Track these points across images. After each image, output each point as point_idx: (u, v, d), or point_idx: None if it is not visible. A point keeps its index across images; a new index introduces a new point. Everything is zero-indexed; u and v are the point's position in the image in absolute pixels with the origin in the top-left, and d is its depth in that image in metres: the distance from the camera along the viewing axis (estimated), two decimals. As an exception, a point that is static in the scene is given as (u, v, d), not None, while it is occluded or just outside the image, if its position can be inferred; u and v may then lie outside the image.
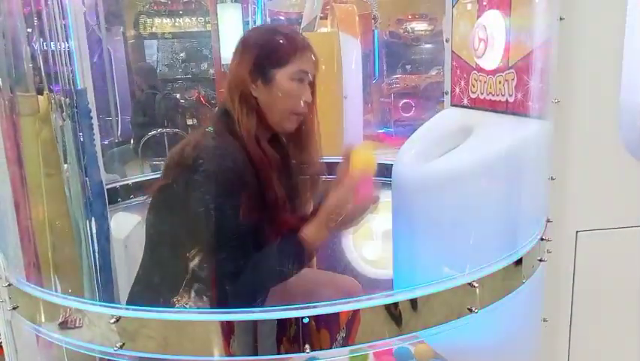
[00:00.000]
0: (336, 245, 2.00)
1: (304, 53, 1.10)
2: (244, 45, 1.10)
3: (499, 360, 1.02)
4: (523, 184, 0.95)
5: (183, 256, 1.04)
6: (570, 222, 1.02)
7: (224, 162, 1.00)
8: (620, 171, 1.01)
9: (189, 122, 4.43)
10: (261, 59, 1.07)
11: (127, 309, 0.72)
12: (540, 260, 0.94)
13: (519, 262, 0.88)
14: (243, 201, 1.00)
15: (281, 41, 1.09)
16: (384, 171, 1.60)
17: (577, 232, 1.02)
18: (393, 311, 0.78)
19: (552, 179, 0.99)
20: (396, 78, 4.46)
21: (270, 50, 1.08)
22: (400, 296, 0.78)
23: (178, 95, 4.71)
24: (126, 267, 1.47)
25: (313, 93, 1.13)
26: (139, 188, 1.59)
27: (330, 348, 0.78)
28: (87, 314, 0.76)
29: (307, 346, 0.73)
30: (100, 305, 0.75)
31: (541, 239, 0.95)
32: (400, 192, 1.19)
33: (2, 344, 1.35)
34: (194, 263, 1.03)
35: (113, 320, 0.72)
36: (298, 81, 1.08)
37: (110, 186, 1.49)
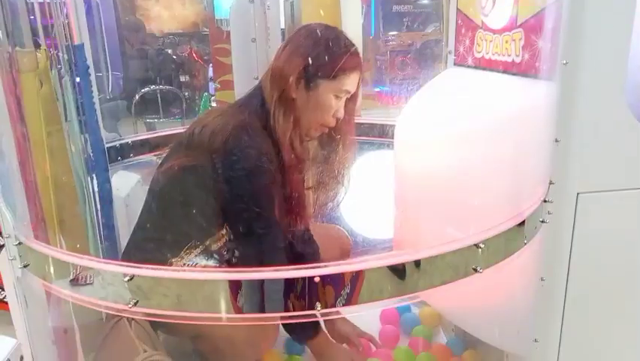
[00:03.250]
0: (334, 207, 2.02)
1: (354, 72, 1.09)
2: (299, 43, 1.08)
3: (498, 319, 1.05)
4: (528, 146, 0.95)
5: (195, 232, 1.06)
6: (571, 184, 1.04)
7: (259, 162, 1.01)
8: (624, 135, 1.01)
9: (182, 79, 4.36)
10: (312, 64, 1.05)
11: (141, 268, 0.73)
12: (542, 221, 0.96)
13: (522, 223, 0.90)
14: (270, 199, 1.02)
15: (337, 54, 1.07)
16: (385, 131, 1.60)
17: (578, 193, 1.04)
18: (399, 271, 0.80)
19: (557, 141, 1.00)
20: (393, 35, 4.38)
21: (324, 60, 1.06)
22: (408, 257, 0.79)
23: (170, 51, 4.61)
24: (128, 225, 1.48)
25: (352, 107, 1.13)
26: (139, 147, 1.59)
27: (335, 305, 0.80)
28: (101, 272, 0.77)
29: (318, 304, 0.75)
30: (115, 264, 0.76)
31: (544, 201, 0.97)
32: (402, 153, 1.20)
33: (6, 300, 1.37)
34: (207, 241, 1.06)
35: (127, 278, 0.73)
36: (337, 98, 1.08)
37: (109, 145, 1.48)
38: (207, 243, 1.08)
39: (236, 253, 1.05)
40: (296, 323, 1.05)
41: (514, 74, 1.07)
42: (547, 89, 0.99)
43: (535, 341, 1.12)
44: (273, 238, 1.04)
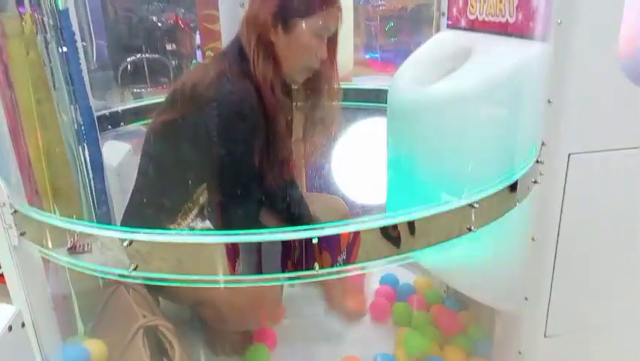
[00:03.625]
0: (326, 171, 2.02)
1: (331, 8, 1.06)
2: None
3: (490, 278, 1.08)
4: (522, 108, 0.96)
5: (187, 187, 1.05)
6: (563, 145, 1.05)
7: (241, 108, 1.00)
8: (615, 96, 1.02)
9: (169, 47, 4.26)
10: (287, 4, 1.03)
11: (140, 233, 0.74)
12: (534, 182, 0.98)
13: (515, 183, 0.91)
14: (254, 145, 1.01)
15: None
16: (379, 95, 1.60)
17: (569, 154, 1.05)
18: (393, 232, 0.81)
19: (549, 102, 1.00)
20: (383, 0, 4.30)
21: None
22: (404, 217, 0.80)
23: (155, 19, 4.50)
24: (121, 194, 1.48)
25: (333, 48, 1.11)
26: (129, 115, 1.57)
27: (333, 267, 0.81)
28: (99, 238, 0.77)
29: (316, 264, 0.76)
30: (113, 229, 0.76)
31: (537, 161, 0.98)
32: (396, 118, 1.20)
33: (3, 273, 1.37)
34: (197, 195, 1.06)
35: (126, 243, 0.74)
36: (318, 37, 1.06)
37: (99, 114, 1.46)
38: (201, 202, 1.08)
39: (228, 208, 1.05)
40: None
41: (507, 35, 1.06)
42: (541, 49, 0.99)
43: (526, 299, 1.16)
44: (258, 188, 1.03)
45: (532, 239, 1.10)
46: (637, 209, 1.13)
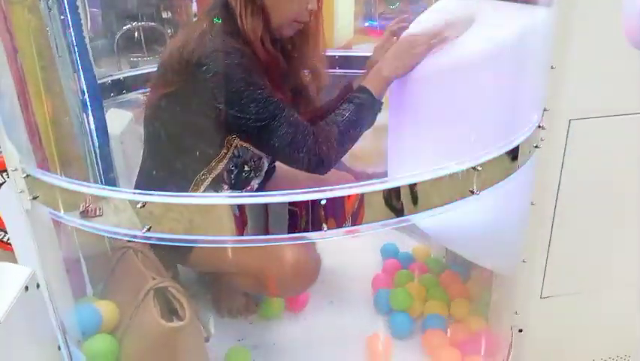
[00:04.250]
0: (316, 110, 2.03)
1: None
2: None
3: (490, 240, 1.11)
4: (525, 74, 0.97)
5: (194, 153, 1.06)
6: (564, 110, 1.06)
7: (234, 60, 0.98)
8: (617, 61, 1.03)
9: (164, 15, 4.21)
10: None
11: (153, 195, 0.76)
12: (535, 147, 1.00)
13: (517, 148, 0.93)
14: (263, 81, 1.00)
15: None
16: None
17: (570, 120, 1.07)
18: (396, 195, 0.83)
19: (552, 68, 1.01)
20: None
21: None
22: (407, 180, 0.82)
23: (149, -15, 4.42)
24: (124, 161, 1.49)
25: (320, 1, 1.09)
26: (130, 83, 1.57)
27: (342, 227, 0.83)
28: (113, 201, 0.80)
29: (325, 225, 0.78)
30: (126, 192, 0.78)
31: (538, 127, 1.00)
32: (398, 85, 1.21)
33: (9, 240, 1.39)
34: (214, 161, 1.06)
35: (139, 205, 0.76)
36: None
37: (101, 82, 1.46)
38: (212, 165, 1.09)
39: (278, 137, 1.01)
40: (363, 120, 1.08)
41: (511, 1, 1.06)
42: (544, 14, 0.99)
43: (524, 261, 1.19)
44: (284, 120, 1.01)
45: (532, 203, 1.13)
46: (635, 174, 1.15)
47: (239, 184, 1.15)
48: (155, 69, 1.16)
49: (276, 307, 1.38)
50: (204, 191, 1.06)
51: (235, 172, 1.13)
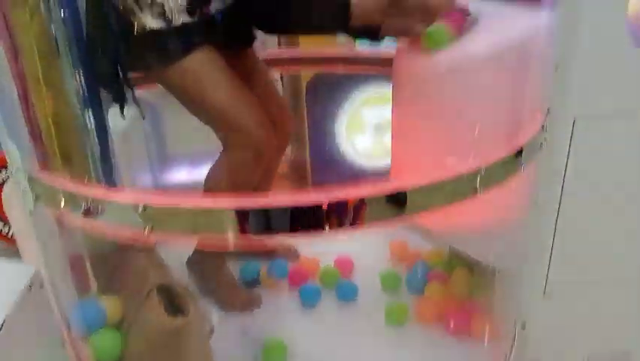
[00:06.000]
0: (329, 135, 2.04)
1: None
2: None
3: (494, 239, 1.11)
4: (530, 76, 0.97)
5: None
6: (568, 109, 1.06)
7: None
8: (622, 60, 1.02)
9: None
10: None
11: (156, 195, 0.76)
12: (540, 146, 0.99)
13: (520, 149, 0.93)
14: None
15: None
16: (383, 64, 1.59)
17: (574, 119, 1.06)
18: (402, 195, 0.83)
19: (556, 69, 1.01)
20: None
21: None
22: (410, 183, 0.82)
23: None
24: (126, 160, 1.49)
25: None
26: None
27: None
28: (115, 202, 0.80)
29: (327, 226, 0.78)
30: (128, 193, 0.78)
31: (542, 127, 0.99)
32: (402, 84, 1.20)
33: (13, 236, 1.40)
34: None
35: (140, 209, 0.76)
36: None
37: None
38: None
39: None
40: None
41: (515, 2, 1.05)
42: (549, 17, 0.98)
43: (527, 259, 1.19)
44: None
45: (536, 202, 1.13)
46: (639, 173, 1.14)
47: None
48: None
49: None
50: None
51: None
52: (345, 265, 1.51)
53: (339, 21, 1.07)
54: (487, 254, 1.19)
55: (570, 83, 1.02)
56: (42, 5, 1.10)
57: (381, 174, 1.68)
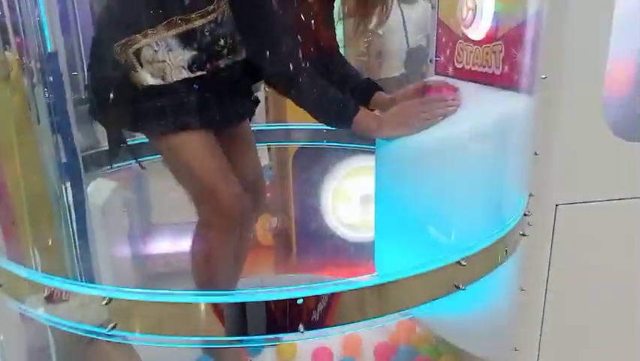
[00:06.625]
0: (315, 208, 2.02)
1: None
2: None
3: (479, 328, 1.06)
4: (508, 159, 0.96)
5: None
6: (550, 196, 1.05)
7: None
8: (601, 148, 1.03)
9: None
10: None
11: (119, 291, 0.72)
12: (522, 234, 0.97)
13: (503, 237, 0.91)
14: None
15: None
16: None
17: (556, 205, 1.05)
18: (381, 289, 0.79)
19: (536, 154, 1.01)
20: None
21: None
22: (388, 277, 0.79)
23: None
24: (105, 233, 1.45)
25: None
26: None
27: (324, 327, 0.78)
28: (78, 295, 0.75)
29: (301, 326, 0.74)
30: (91, 287, 0.74)
31: (525, 214, 0.98)
32: (384, 162, 1.19)
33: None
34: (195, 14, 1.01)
35: (104, 302, 0.72)
36: None
37: (84, 154, 1.44)
38: (192, 17, 1.02)
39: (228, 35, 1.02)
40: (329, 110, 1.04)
41: (494, 86, 1.07)
42: (526, 102, 1.00)
43: (515, 349, 1.14)
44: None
45: (521, 289, 1.09)
46: (624, 258, 1.13)
47: (208, 51, 1.07)
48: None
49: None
50: (171, 35, 1.01)
51: (208, 37, 1.05)
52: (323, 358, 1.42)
53: (341, 126, 1.12)
54: (473, 344, 1.14)
55: (550, 169, 1.02)
56: (25, 83, 1.10)
57: (365, 246, 1.64)
